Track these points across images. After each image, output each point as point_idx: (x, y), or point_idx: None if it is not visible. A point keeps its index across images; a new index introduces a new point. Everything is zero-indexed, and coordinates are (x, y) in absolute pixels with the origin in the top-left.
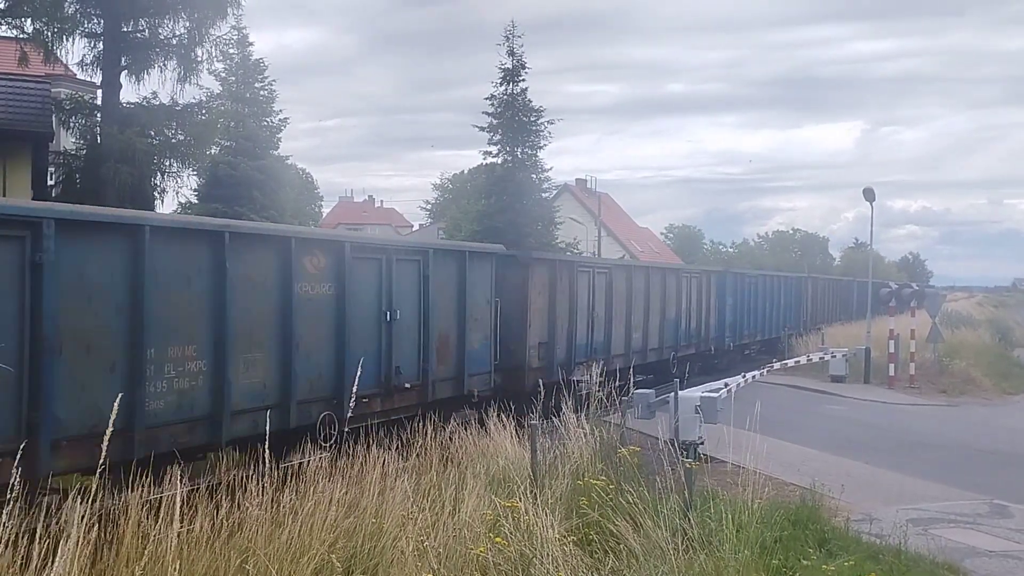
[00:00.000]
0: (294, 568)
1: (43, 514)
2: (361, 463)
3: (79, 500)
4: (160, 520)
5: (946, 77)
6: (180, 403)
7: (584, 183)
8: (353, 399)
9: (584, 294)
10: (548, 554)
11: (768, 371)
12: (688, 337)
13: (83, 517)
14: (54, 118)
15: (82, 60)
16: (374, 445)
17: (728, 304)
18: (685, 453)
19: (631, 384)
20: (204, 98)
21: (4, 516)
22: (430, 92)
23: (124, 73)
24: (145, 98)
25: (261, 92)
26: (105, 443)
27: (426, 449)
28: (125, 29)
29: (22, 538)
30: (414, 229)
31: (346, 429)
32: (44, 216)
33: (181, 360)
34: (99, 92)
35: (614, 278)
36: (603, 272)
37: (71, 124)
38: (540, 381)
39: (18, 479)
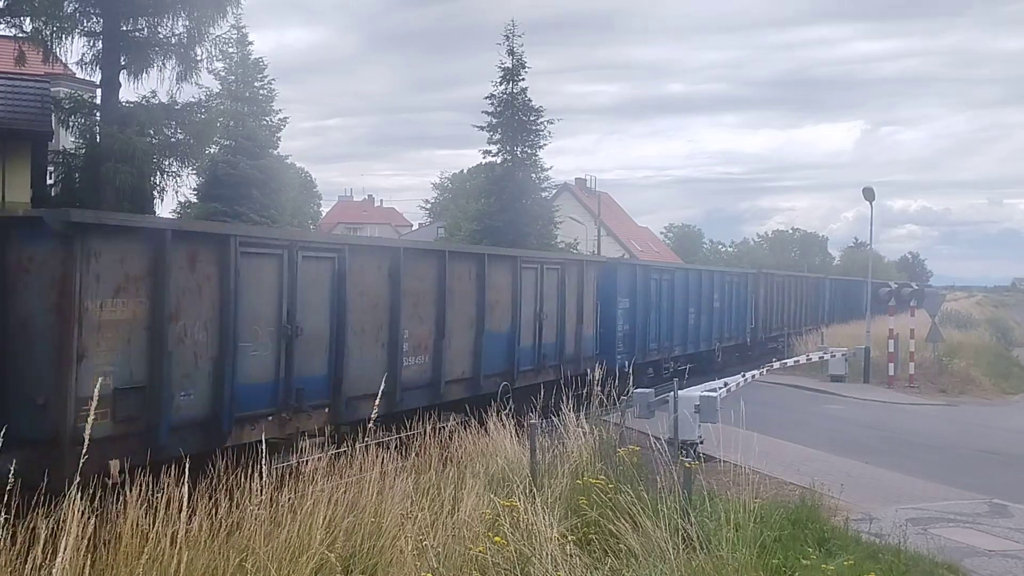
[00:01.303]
0: (293, 567)
1: (42, 513)
2: (360, 462)
3: (79, 499)
4: (159, 519)
5: (946, 77)
6: None
7: (584, 183)
8: None
9: (268, 295)
10: (547, 553)
11: (768, 371)
12: (539, 358)
13: (82, 516)
14: (53, 117)
15: (81, 59)
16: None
17: (622, 308)
18: (684, 452)
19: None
20: (203, 97)
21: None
22: (430, 91)
23: (123, 72)
24: (144, 97)
25: (260, 91)
26: None
27: (425, 448)
28: (124, 28)
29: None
30: (414, 228)
31: None
32: None
33: None
34: (98, 91)
35: (352, 268)
36: (322, 256)
37: (70, 123)
38: (119, 461)
39: None
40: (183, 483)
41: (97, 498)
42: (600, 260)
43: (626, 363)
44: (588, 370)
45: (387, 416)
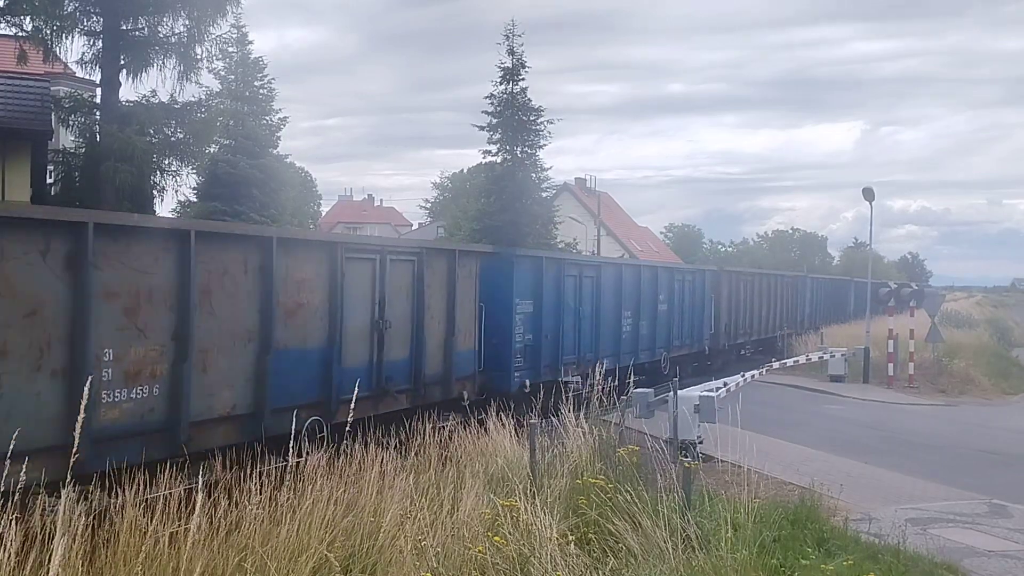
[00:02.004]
0: (292, 566)
1: (40, 513)
2: (359, 462)
3: (77, 499)
4: (157, 519)
5: (946, 77)
6: None
7: (584, 182)
8: None
9: None
10: (547, 553)
11: (767, 371)
12: (379, 382)
13: (80, 516)
14: (53, 116)
15: (81, 58)
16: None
17: (523, 313)
18: (684, 452)
19: None
20: (203, 96)
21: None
22: (430, 91)
23: (123, 71)
24: (144, 96)
25: (260, 91)
26: None
27: (424, 448)
28: (124, 27)
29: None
30: (413, 228)
31: None
32: None
33: None
34: (98, 90)
35: None
36: None
37: (70, 122)
38: None
39: None
40: (181, 482)
41: (95, 498)
42: (484, 251)
43: (527, 381)
44: (465, 392)
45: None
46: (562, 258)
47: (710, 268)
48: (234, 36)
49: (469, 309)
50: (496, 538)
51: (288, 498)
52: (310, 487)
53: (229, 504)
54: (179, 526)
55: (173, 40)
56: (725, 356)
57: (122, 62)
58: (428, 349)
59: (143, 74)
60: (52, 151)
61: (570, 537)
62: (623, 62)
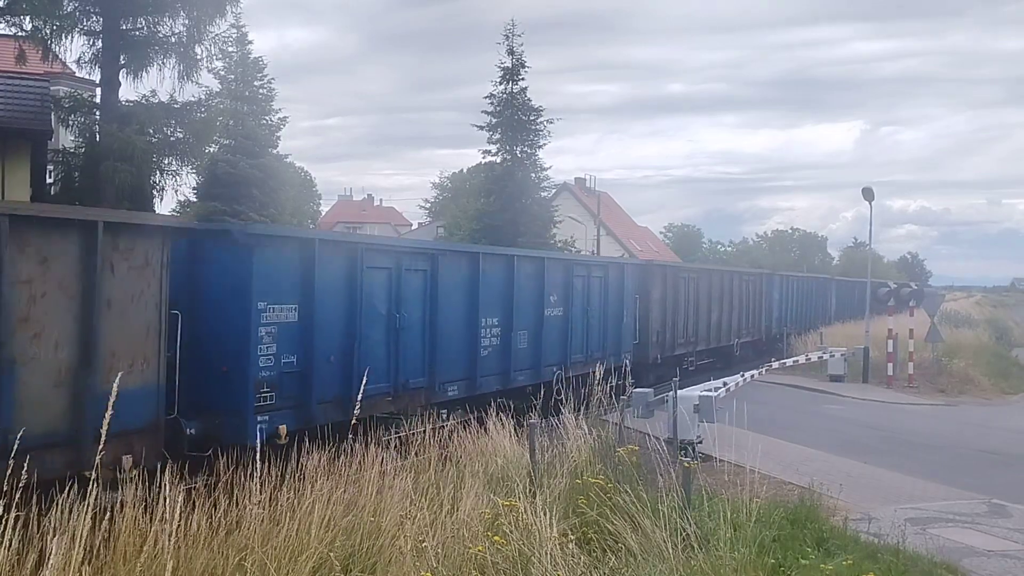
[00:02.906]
0: (292, 566)
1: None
2: (360, 461)
3: (77, 497)
4: (157, 518)
5: (946, 77)
6: None
7: (584, 182)
8: None
9: None
10: (547, 553)
11: (767, 371)
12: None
13: (80, 514)
14: (53, 116)
15: (81, 58)
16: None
17: (275, 324)
18: (683, 452)
19: None
20: (203, 96)
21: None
22: (430, 91)
23: (123, 71)
24: (144, 96)
25: (260, 90)
26: None
27: (425, 448)
28: (124, 27)
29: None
30: (413, 228)
31: None
32: None
33: None
34: (98, 90)
35: None
36: None
37: (70, 122)
38: None
39: None
40: (180, 481)
41: (95, 497)
42: (183, 226)
43: (282, 427)
44: (129, 457)
45: None
46: (359, 242)
47: (633, 262)
48: (234, 36)
49: (141, 320)
50: (496, 538)
51: (288, 498)
52: (310, 487)
53: (229, 504)
54: (180, 525)
55: (173, 40)
56: (658, 371)
57: (122, 62)
58: (25, 392)
59: (143, 74)
60: (52, 151)
61: (570, 537)
62: (623, 62)
